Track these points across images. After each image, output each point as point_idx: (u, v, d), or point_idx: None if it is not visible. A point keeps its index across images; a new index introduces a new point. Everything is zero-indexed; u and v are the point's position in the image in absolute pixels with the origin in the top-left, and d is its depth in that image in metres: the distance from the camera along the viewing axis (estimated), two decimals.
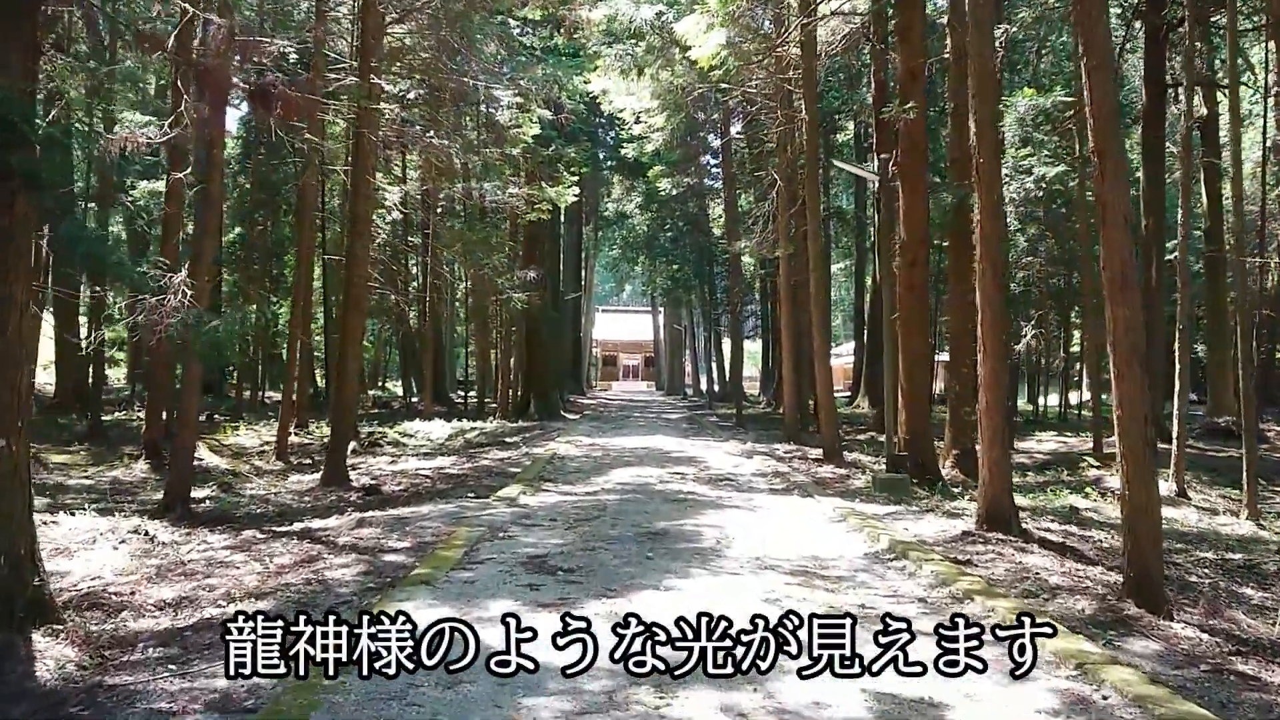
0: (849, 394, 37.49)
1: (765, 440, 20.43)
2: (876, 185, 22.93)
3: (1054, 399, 33.10)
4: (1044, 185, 16.88)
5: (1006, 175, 17.16)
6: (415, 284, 29.48)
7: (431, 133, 16.93)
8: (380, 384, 45.42)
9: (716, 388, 41.67)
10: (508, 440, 19.58)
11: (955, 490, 12.70)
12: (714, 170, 37.68)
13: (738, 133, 29.71)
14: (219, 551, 7.76)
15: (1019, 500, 12.39)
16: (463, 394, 33.96)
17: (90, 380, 21.03)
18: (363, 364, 40.64)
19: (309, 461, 15.71)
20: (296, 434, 19.66)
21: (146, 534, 8.41)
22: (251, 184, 28.34)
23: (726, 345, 43.23)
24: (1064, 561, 7.52)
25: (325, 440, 18.59)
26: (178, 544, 8.11)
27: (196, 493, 11.90)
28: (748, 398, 36.44)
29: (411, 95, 17.50)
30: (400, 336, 34.53)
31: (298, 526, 8.71)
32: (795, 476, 13.17)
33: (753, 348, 51.65)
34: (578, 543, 7.57)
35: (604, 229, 49.03)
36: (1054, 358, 30.71)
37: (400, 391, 36.24)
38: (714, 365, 42.62)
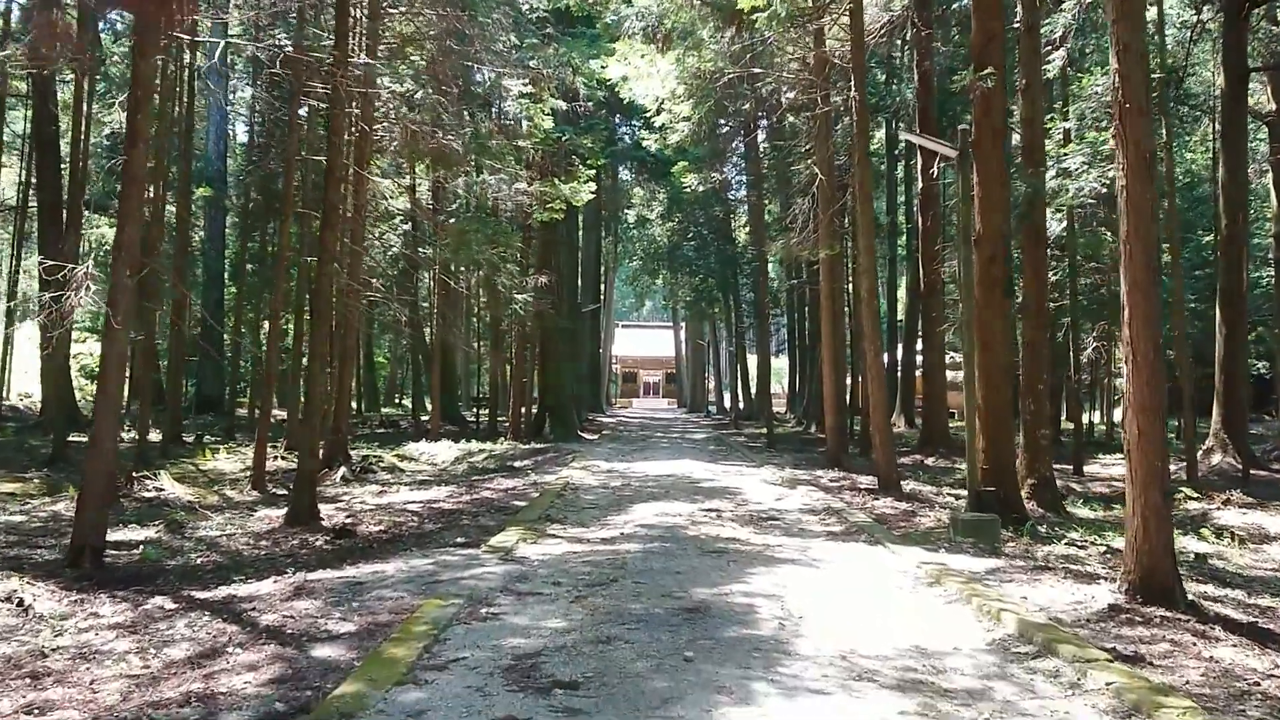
0: None
1: (804, 465, 18.26)
2: (926, 173, 20.90)
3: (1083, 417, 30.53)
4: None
5: (1084, 164, 15.01)
6: (428, 300, 27.63)
7: (438, 133, 15.12)
8: (396, 401, 43.59)
9: (741, 405, 39.50)
10: (517, 465, 17.53)
11: (1041, 530, 10.53)
12: (737, 181, 35.85)
13: (763, 139, 27.73)
14: (102, 633, 5.73)
15: (1119, 542, 10.20)
16: (477, 412, 32.04)
17: (54, 396, 19.23)
18: (374, 377, 38.93)
19: (284, 492, 13.71)
20: (285, 458, 17.75)
21: (20, 603, 6.40)
22: (246, 190, 26.72)
23: (751, 361, 41.16)
24: (1267, 654, 5.34)
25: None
26: (57, 618, 6.09)
27: (136, 534, 9.95)
28: (776, 416, 34.28)
29: (419, 95, 15.68)
30: (412, 352, 32.71)
31: (222, 592, 6.66)
32: (852, 514, 11.00)
33: (776, 364, 49.50)
34: (587, 627, 5.45)
35: (624, 241, 47.22)
36: (1099, 372, 28.24)
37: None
38: (739, 381, 40.53)
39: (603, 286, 46.13)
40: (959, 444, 22.43)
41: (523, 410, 25.19)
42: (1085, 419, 28.83)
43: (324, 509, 11.47)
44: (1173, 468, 18.05)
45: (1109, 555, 9.10)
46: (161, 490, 13.28)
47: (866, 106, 13.89)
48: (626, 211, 40.75)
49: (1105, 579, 7.07)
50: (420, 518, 10.81)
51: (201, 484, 14.71)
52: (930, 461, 20.41)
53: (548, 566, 7.41)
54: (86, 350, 30.87)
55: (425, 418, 28.27)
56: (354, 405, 35.13)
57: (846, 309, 24.50)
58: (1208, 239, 25.96)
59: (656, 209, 37.64)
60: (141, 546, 9.13)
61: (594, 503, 11.83)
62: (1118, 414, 30.71)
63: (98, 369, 8.31)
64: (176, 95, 20.78)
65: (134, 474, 13.42)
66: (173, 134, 20.83)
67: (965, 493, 13.98)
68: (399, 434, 25.38)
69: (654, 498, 12.31)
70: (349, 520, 10.66)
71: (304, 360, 23.14)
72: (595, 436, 27.43)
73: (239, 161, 32.14)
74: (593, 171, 18.98)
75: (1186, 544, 10.20)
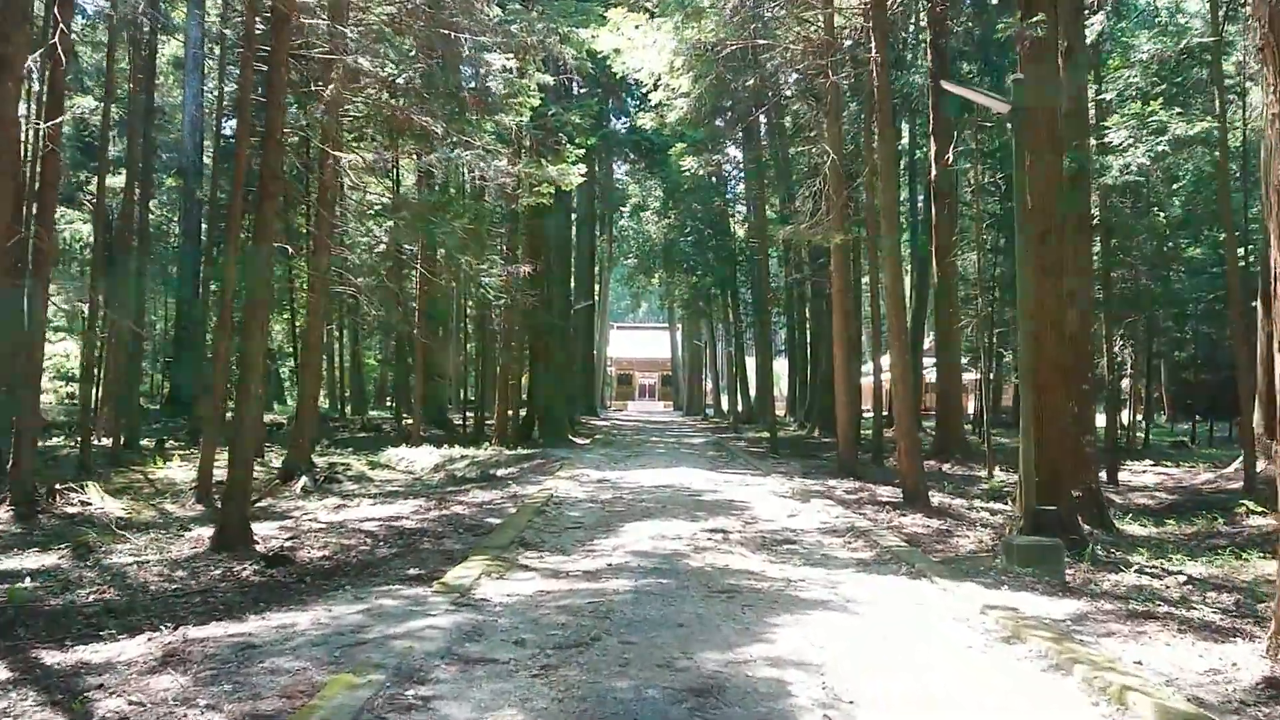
0: (885, 414, 33.63)
1: (814, 474, 16.67)
2: (940, 159, 19.36)
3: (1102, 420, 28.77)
4: (1177, 147, 13.12)
5: (1129, 138, 13.47)
6: (416, 300, 26.05)
7: (412, 107, 13.56)
8: (387, 404, 41.90)
9: (740, 408, 37.89)
10: (499, 474, 15.93)
11: (1101, 555, 8.94)
12: (737, 175, 34.34)
13: (764, 130, 26.22)
14: None
15: (1194, 568, 8.64)
16: (465, 415, 30.43)
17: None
18: (363, 380, 37.22)
19: None
20: None
21: None
22: (215, 180, 25.07)
23: (750, 363, 39.55)
24: None
25: (273, 474, 15.10)
26: None
27: (36, 560, 8.35)
28: (777, 419, 32.73)
29: (402, 81, 14.15)
30: (398, 352, 31.05)
31: (75, 656, 5.03)
32: (880, 535, 9.39)
33: (775, 366, 47.94)
34: None
35: (619, 240, 45.70)
36: (1122, 374, 26.65)
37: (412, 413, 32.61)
38: (738, 383, 38.95)
39: (597, 286, 44.57)
40: (976, 450, 20.94)
41: (510, 413, 23.55)
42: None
43: (266, 528, 9.87)
44: (1209, 475, 16.47)
45: (1193, 588, 7.54)
46: (89, 505, 11.64)
47: (888, 67, 12.30)
48: (622, 209, 39.15)
49: (1238, 635, 5.47)
50: (374, 539, 9.20)
51: (143, 495, 13.09)
52: (948, 469, 18.87)
53: (512, 614, 5.78)
54: (61, 350, 29.48)
55: (410, 421, 26.69)
56: (339, 408, 33.53)
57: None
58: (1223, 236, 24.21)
59: (653, 203, 36.07)
60: (26, 580, 7.51)
61: (579, 521, 10.20)
62: (1124, 416, 29.17)
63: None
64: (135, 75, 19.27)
65: (58, 486, 11.80)
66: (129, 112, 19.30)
67: (1000, 506, 12.46)
68: (381, 438, 23.77)
69: (649, 514, 10.69)
70: (290, 543, 9.05)
71: (291, 359, 21.48)
72: (587, 441, 25.81)
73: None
74: (581, 151, 17.35)
75: (1266, 568, 8.64)
